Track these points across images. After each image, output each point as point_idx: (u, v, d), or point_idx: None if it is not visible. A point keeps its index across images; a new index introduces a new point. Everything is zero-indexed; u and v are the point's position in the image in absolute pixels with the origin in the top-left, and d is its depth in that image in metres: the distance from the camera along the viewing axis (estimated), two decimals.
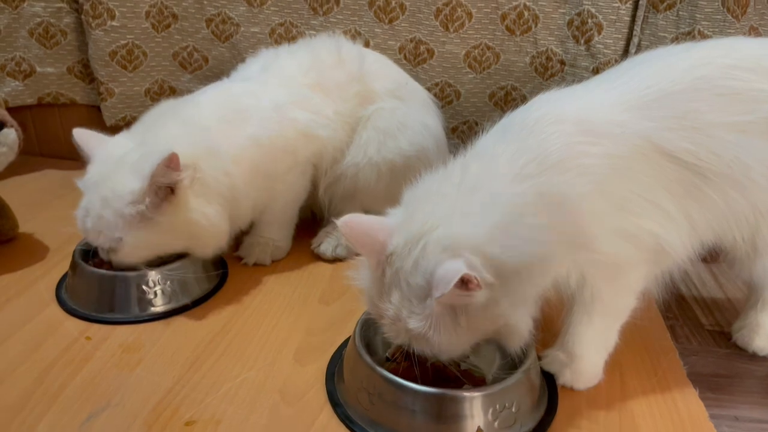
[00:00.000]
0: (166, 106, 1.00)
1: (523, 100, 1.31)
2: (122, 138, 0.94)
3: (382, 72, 1.14)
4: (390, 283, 0.67)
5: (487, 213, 0.66)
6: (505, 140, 0.72)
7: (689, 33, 1.14)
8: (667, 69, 0.76)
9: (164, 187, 0.87)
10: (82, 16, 1.33)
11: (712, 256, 0.87)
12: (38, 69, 1.40)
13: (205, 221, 0.92)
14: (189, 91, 1.04)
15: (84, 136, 0.93)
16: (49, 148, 1.49)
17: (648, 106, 0.72)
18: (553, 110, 0.73)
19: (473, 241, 0.63)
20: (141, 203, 0.86)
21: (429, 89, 1.29)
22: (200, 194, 0.91)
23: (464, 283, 0.61)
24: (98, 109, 1.43)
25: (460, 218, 0.66)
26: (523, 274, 0.65)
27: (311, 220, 1.18)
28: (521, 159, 0.68)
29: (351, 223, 0.69)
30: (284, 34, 1.32)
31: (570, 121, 0.72)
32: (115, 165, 0.89)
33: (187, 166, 0.88)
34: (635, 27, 1.18)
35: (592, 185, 0.69)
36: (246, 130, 0.98)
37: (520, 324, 0.67)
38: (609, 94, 0.75)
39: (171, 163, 0.85)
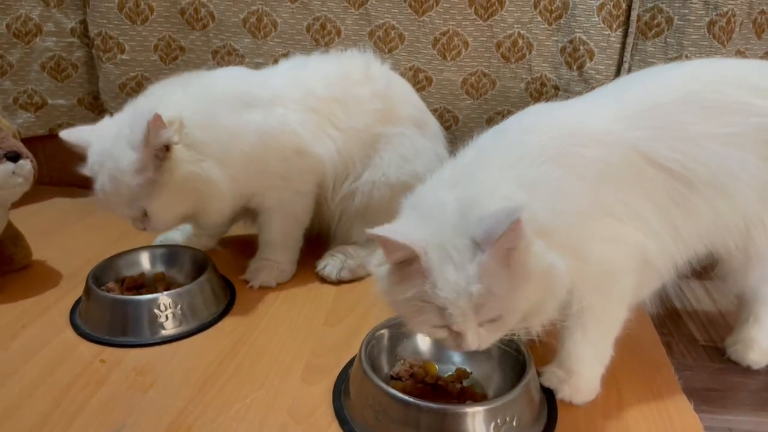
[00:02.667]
0: (175, 78, 1.03)
1: None
2: (118, 115, 0.99)
3: (407, 98, 1.18)
4: (440, 263, 0.65)
5: (503, 169, 0.71)
6: (500, 138, 0.76)
7: (677, 58, 1.19)
8: (657, 84, 0.80)
9: (162, 149, 0.91)
10: (93, 51, 1.38)
11: (705, 272, 0.90)
12: (50, 101, 1.45)
13: (203, 173, 0.96)
14: None
15: (72, 134, 0.98)
16: (60, 177, 1.53)
17: (638, 117, 0.76)
18: (548, 116, 0.78)
19: (501, 191, 0.68)
20: (146, 170, 0.91)
21: None
22: (193, 149, 0.95)
23: (512, 232, 0.61)
24: None
25: (475, 181, 0.70)
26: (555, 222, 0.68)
27: (316, 243, 1.21)
28: (511, 159, 0.72)
29: (385, 229, 0.68)
30: None
31: (564, 125, 0.76)
32: (113, 140, 0.93)
33: (172, 122, 0.91)
34: (625, 53, 1.23)
35: (583, 185, 0.72)
36: (250, 115, 1.01)
37: (560, 265, 0.67)
38: (602, 105, 0.79)
39: (156, 123, 0.88)
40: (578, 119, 0.77)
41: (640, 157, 0.74)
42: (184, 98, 0.97)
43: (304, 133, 1.06)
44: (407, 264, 0.67)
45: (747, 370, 0.94)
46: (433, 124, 1.22)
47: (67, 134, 0.98)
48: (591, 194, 0.72)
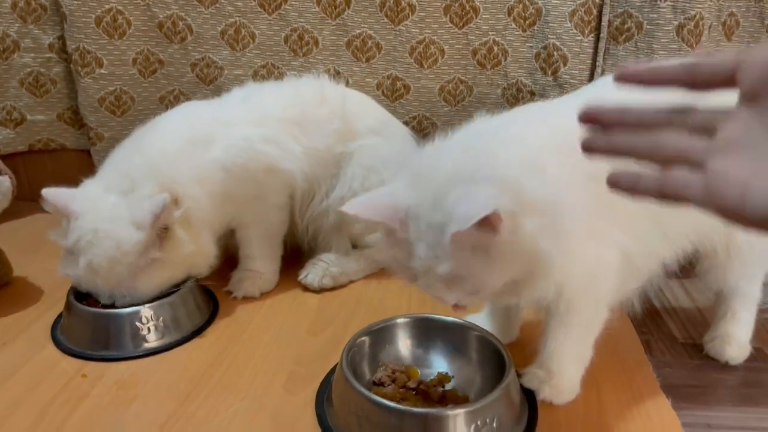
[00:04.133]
0: (131, 140, 1.03)
1: None
2: (94, 186, 0.97)
3: (364, 111, 1.19)
4: (415, 238, 0.66)
5: (499, 148, 0.69)
6: (465, 153, 0.71)
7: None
8: None
9: (162, 228, 0.93)
10: (71, 65, 1.38)
11: (684, 272, 0.92)
12: (29, 117, 1.45)
13: (199, 249, 0.98)
14: None
15: (56, 196, 0.94)
16: (40, 193, 1.52)
17: None
18: (525, 118, 0.79)
19: (490, 170, 0.65)
20: (151, 249, 0.92)
21: (407, 123, 1.35)
22: (187, 225, 0.96)
23: (482, 223, 0.60)
24: (88, 153, 1.48)
25: (471, 155, 0.68)
26: (550, 208, 0.66)
27: (298, 252, 1.22)
28: (488, 166, 0.68)
29: (357, 204, 0.69)
30: (266, 75, 1.38)
31: (543, 126, 0.76)
32: (107, 221, 0.91)
33: (171, 205, 0.92)
34: (598, 58, 1.25)
35: (569, 184, 0.71)
36: (210, 154, 1.01)
37: (554, 258, 0.66)
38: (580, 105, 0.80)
39: (166, 207, 0.90)
40: (558, 119, 0.76)
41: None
42: (145, 162, 0.96)
43: (271, 149, 1.06)
44: (389, 230, 0.69)
45: (725, 366, 0.95)
46: (400, 130, 1.24)
47: (50, 194, 0.94)
48: (576, 193, 0.72)
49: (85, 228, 0.92)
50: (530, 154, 0.70)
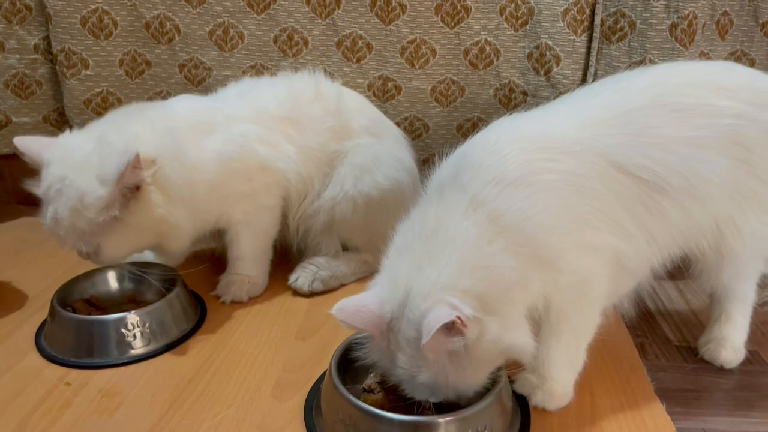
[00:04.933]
0: (133, 107, 1.01)
1: None
2: (77, 137, 0.93)
3: (359, 109, 1.18)
4: (395, 348, 0.69)
5: (449, 252, 0.68)
6: (458, 172, 0.73)
7: (641, 62, 1.20)
8: (622, 90, 0.80)
9: (131, 188, 0.89)
10: (57, 67, 1.36)
11: (678, 272, 0.91)
12: (14, 119, 1.42)
13: (171, 218, 0.94)
14: None
15: (28, 143, 0.92)
16: (25, 196, 1.48)
17: (605, 124, 0.76)
18: (512, 130, 0.77)
19: (446, 281, 0.66)
20: (111, 207, 0.87)
21: (398, 123, 1.34)
22: (163, 191, 0.93)
23: (449, 328, 0.63)
24: None
25: (429, 265, 0.68)
26: (504, 298, 0.68)
27: (288, 256, 1.20)
28: (475, 186, 0.70)
29: (344, 307, 0.71)
30: (255, 76, 1.36)
31: (529, 138, 0.74)
32: (76, 169, 0.88)
33: (148, 163, 0.89)
34: (591, 58, 1.24)
35: (554, 200, 0.71)
36: (211, 143, 1.00)
37: (522, 342, 0.69)
38: (567, 114, 0.78)
39: (136, 163, 0.86)
40: (544, 131, 0.76)
41: (610, 165, 0.74)
42: (152, 134, 0.94)
43: (265, 149, 1.05)
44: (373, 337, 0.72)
45: (720, 370, 0.94)
46: (392, 130, 1.22)
47: (22, 142, 0.92)
48: (562, 207, 0.72)
49: (55, 175, 0.88)
50: (479, 259, 0.69)
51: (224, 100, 1.10)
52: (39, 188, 0.91)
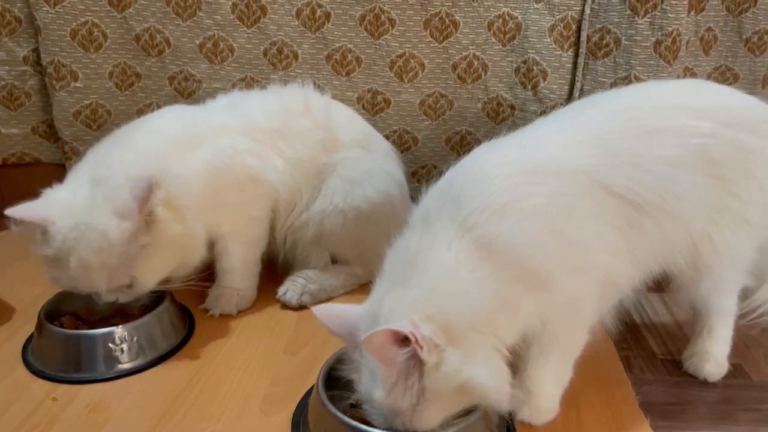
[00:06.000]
0: (112, 138, 1.01)
1: (477, 143, 1.34)
2: (67, 189, 0.93)
3: (348, 123, 1.18)
4: (363, 365, 0.71)
5: (421, 277, 0.69)
6: (444, 201, 0.74)
7: (626, 78, 1.22)
8: (599, 113, 0.82)
9: (149, 213, 0.90)
10: (46, 79, 1.36)
11: (662, 285, 0.92)
12: (2, 130, 1.42)
13: (188, 230, 0.95)
14: None
15: (21, 211, 0.90)
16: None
17: (585, 145, 0.77)
18: (495, 156, 0.77)
19: (412, 303, 0.67)
20: (140, 235, 0.89)
21: (387, 136, 1.35)
22: (170, 209, 0.94)
23: (400, 339, 0.64)
24: (63, 167, 1.45)
25: (401, 287, 0.70)
26: (475, 329, 0.68)
27: (277, 268, 1.20)
28: (462, 213, 0.71)
29: (327, 310, 0.75)
30: (245, 89, 1.36)
31: (512, 163, 0.75)
32: (86, 214, 0.88)
33: (153, 188, 0.90)
34: (577, 73, 1.26)
35: (542, 225, 0.72)
36: (199, 155, 1.01)
37: (486, 381, 0.67)
38: (548, 136, 0.80)
39: (151, 187, 0.87)
40: (527, 154, 0.77)
41: (593, 184, 0.75)
42: (137, 159, 0.94)
43: (254, 161, 1.06)
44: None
45: (704, 383, 0.95)
46: (382, 144, 1.23)
47: (14, 212, 0.89)
48: (550, 231, 0.72)
49: (65, 228, 0.88)
50: (454, 286, 0.70)
51: (211, 110, 1.10)
52: (50, 248, 0.89)
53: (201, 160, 1.00)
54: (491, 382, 0.68)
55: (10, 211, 0.89)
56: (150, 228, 0.91)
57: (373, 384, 0.69)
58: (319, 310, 0.74)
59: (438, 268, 0.70)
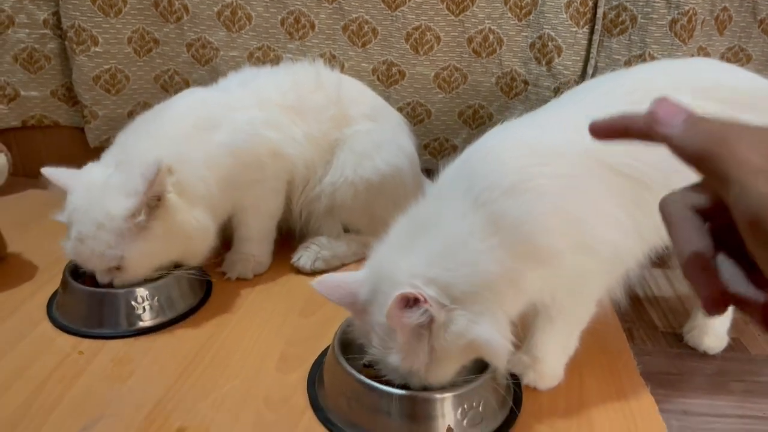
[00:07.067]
0: (137, 122, 1.04)
1: (490, 117, 1.39)
2: (95, 166, 0.98)
3: (359, 97, 1.20)
4: (369, 329, 0.74)
5: (429, 245, 0.72)
6: (458, 178, 0.77)
7: (641, 56, 1.23)
8: (605, 95, 0.84)
9: (154, 197, 0.92)
10: (66, 43, 1.37)
11: (665, 261, 0.94)
12: (22, 93, 1.44)
13: (195, 221, 0.97)
14: None
15: (54, 173, 0.96)
16: (33, 169, 1.49)
17: None
18: (507, 138, 0.80)
19: (415, 269, 0.70)
20: (138, 217, 0.91)
21: (401, 108, 1.37)
22: (183, 197, 0.96)
23: (410, 302, 0.67)
24: (81, 130, 1.48)
25: (407, 254, 0.73)
26: (480, 292, 0.71)
27: (291, 235, 1.23)
28: (474, 191, 0.73)
29: (325, 282, 0.78)
30: (262, 58, 1.38)
31: (522, 145, 0.78)
32: (100, 191, 0.93)
33: (169, 172, 0.93)
34: (592, 50, 1.27)
35: (548, 205, 0.74)
36: (217, 137, 1.02)
37: (492, 339, 0.70)
38: (557, 118, 0.82)
39: (161, 172, 0.90)
40: (538, 136, 0.79)
41: (599, 164, 0.77)
42: (157, 146, 0.97)
43: (273, 134, 1.07)
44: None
45: (703, 355, 0.99)
46: (393, 116, 1.25)
47: (49, 172, 0.97)
48: (558, 210, 0.74)
49: (78, 199, 0.93)
50: (461, 254, 0.72)
51: (226, 90, 1.12)
52: (63, 216, 0.95)
53: (219, 143, 1.02)
54: (498, 342, 0.71)
55: (45, 170, 0.96)
56: (154, 213, 0.93)
57: (386, 348, 0.73)
58: (318, 283, 0.77)
59: (449, 236, 0.73)
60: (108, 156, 0.99)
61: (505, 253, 0.72)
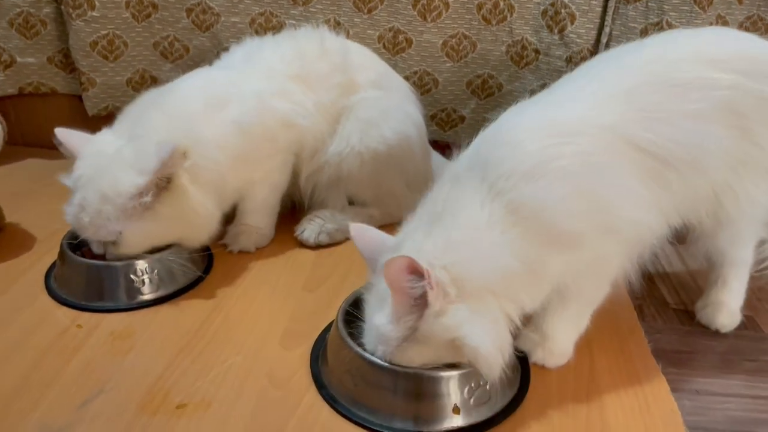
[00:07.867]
0: (149, 97, 1.02)
1: (499, 87, 1.35)
2: (108, 134, 0.97)
3: (365, 63, 1.16)
4: (375, 288, 0.74)
5: (445, 230, 0.70)
6: (474, 163, 0.75)
7: (658, 24, 1.18)
8: (622, 69, 0.81)
9: (164, 178, 0.91)
10: (62, 7, 1.33)
11: (679, 238, 0.92)
12: (18, 59, 1.40)
13: (201, 208, 0.96)
14: (170, 80, 1.05)
15: (67, 135, 0.95)
16: (31, 137, 1.49)
17: (610, 102, 0.76)
18: (522, 119, 0.78)
19: (430, 252, 0.69)
20: (144, 196, 0.89)
21: (408, 78, 1.33)
22: (194, 181, 0.94)
23: (416, 272, 0.66)
24: (79, 98, 1.44)
25: (423, 235, 0.71)
26: (493, 290, 0.69)
27: (294, 208, 1.21)
28: (491, 178, 0.71)
29: (362, 229, 0.79)
30: (264, 24, 1.34)
31: (539, 125, 0.75)
32: (109, 161, 0.91)
33: (179, 155, 0.91)
34: (606, 17, 1.22)
35: (569, 186, 0.71)
36: (227, 116, 1.00)
37: (480, 346, 0.67)
38: (572, 95, 0.79)
39: (174, 155, 0.88)
40: (553, 115, 0.77)
41: (620, 141, 0.75)
42: (170, 123, 0.95)
43: (282, 104, 1.05)
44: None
45: (715, 333, 0.97)
46: (400, 84, 1.21)
47: (62, 134, 0.95)
48: (580, 192, 0.72)
49: (87, 166, 0.92)
50: (479, 246, 0.70)
51: (231, 66, 1.10)
52: (69, 179, 0.93)
53: (230, 120, 1.00)
54: (485, 349, 0.68)
55: (59, 130, 0.95)
56: (162, 195, 0.91)
57: (377, 308, 0.72)
58: (355, 228, 0.78)
59: (468, 226, 0.70)
60: (120, 126, 0.97)
61: (527, 244, 0.70)
